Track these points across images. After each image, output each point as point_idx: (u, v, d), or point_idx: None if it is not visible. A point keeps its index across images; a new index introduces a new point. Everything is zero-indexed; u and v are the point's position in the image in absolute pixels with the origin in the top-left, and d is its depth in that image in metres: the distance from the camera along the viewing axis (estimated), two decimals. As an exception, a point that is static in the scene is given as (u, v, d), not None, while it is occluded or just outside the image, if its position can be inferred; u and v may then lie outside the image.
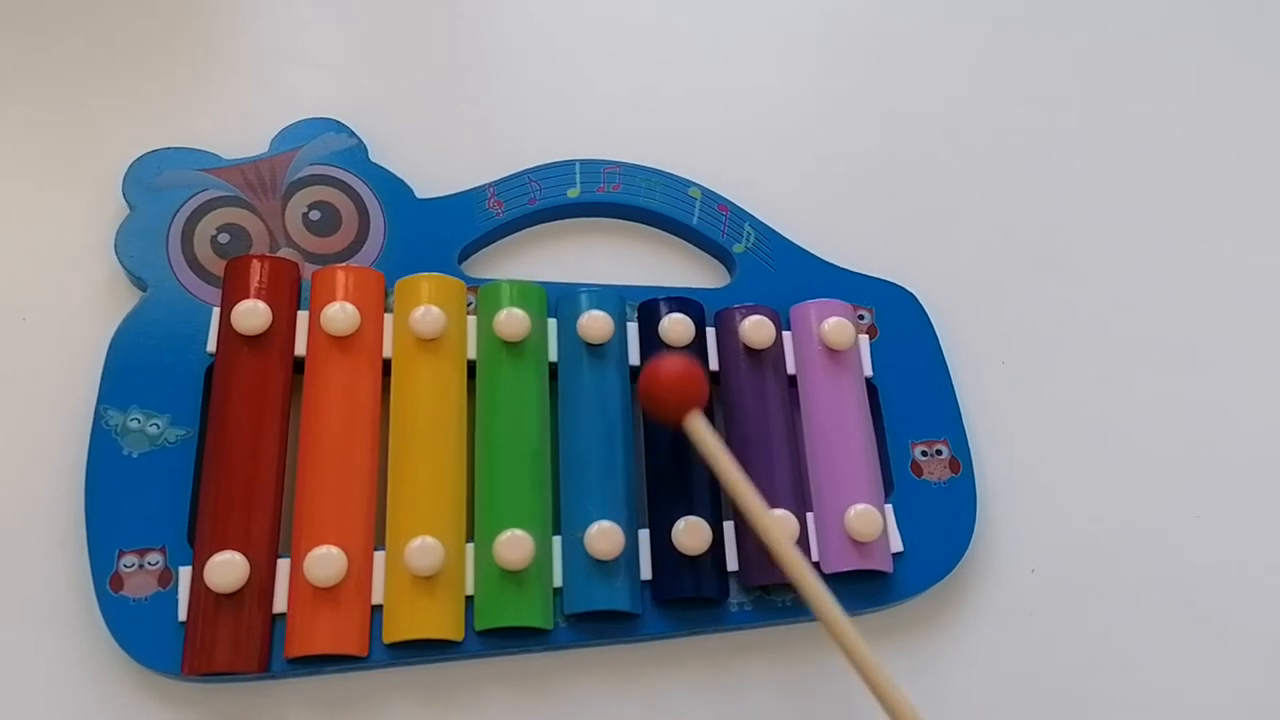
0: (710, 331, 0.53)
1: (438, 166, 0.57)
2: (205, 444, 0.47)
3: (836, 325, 0.53)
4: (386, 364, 0.50)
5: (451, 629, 0.45)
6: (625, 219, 0.59)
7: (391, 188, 0.56)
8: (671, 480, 0.49)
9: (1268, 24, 0.74)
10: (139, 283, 0.52)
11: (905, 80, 0.68)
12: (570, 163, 0.58)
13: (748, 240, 0.58)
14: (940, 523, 0.51)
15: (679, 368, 0.45)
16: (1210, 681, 0.51)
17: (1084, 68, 0.70)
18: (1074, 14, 0.73)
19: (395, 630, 0.45)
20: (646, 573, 0.48)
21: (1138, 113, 0.69)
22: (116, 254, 0.52)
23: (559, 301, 0.53)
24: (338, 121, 0.57)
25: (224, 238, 0.53)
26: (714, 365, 0.52)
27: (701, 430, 0.44)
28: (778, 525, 0.44)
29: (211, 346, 0.49)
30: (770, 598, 0.49)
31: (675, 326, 0.51)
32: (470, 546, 0.47)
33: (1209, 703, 0.50)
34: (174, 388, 0.49)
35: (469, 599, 0.46)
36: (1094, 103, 0.69)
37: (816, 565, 0.49)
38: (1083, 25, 0.72)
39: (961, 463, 0.52)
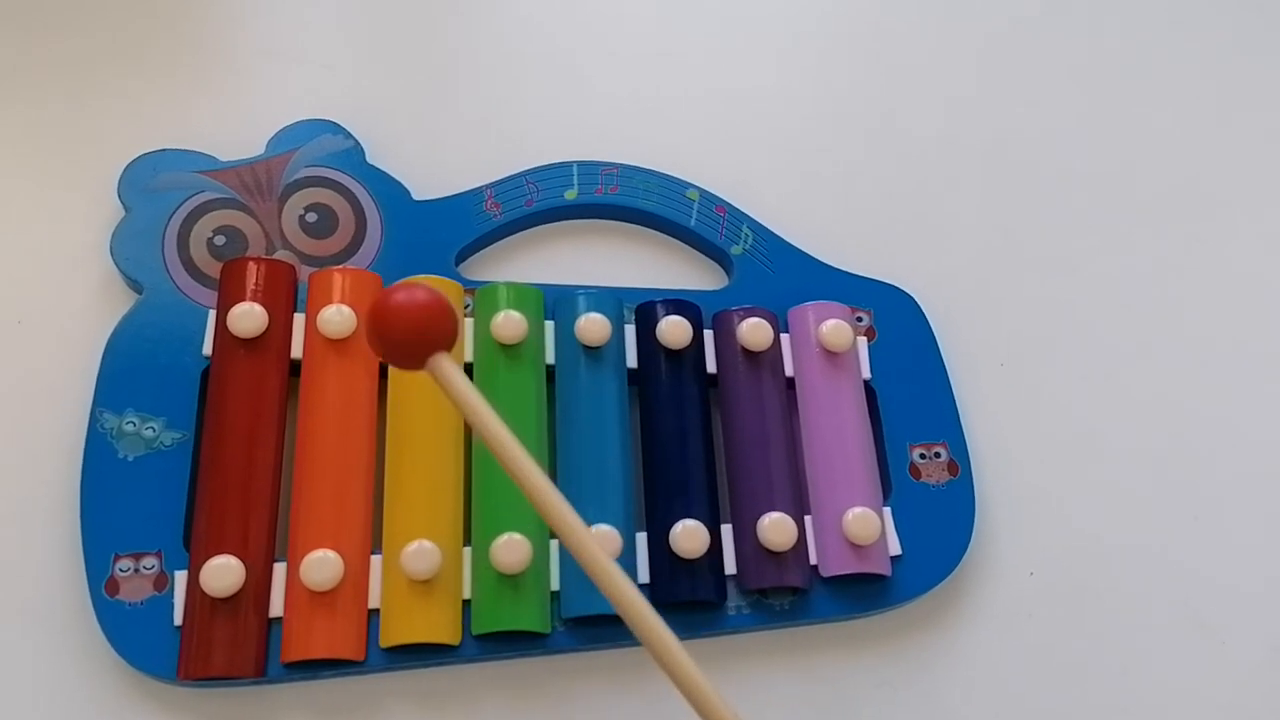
0: (708, 334, 0.53)
1: (435, 168, 0.57)
2: (201, 447, 0.47)
3: (835, 327, 0.53)
4: (383, 367, 0.50)
5: (448, 633, 0.45)
6: (623, 221, 0.59)
7: (388, 189, 0.56)
8: (669, 483, 0.49)
9: (1268, 24, 0.74)
10: (135, 285, 0.52)
11: (904, 82, 0.68)
12: (568, 164, 0.58)
13: (745, 242, 0.58)
14: (939, 525, 0.51)
15: (418, 299, 0.35)
16: (1208, 683, 0.50)
17: (1083, 70, 0.70)
18: (1073, 16, 0.73)
19: (392, 634, 0.45)
20: (644, 576, 0.47)
21: (1137, 115, 0.69)
22: (112, 256, 0.52)
23: (556, 304, 0.52)
24: (334, 123, 0.57)
25: (220, 240, 0.53)
26: (712, 368, 0.52)
27: (450, 375, 0.35)
28: (553, 498, 0.35)
29: (207, 349, 0.49)
30: (768, 601, 0.48)
31: (673, 329, 0.51)
32: (467, 550, 0.47)
33: (1207, 704, 0.50)
34: (170, 391, 0.49)
35: (466, 603, 0.46)
36: (1093, 105, 0.69)
37: (814, 569, 0.49)
38: (1082, 27, 0.72)
39: (960, 465, 0.52)
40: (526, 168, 0.58)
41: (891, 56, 0.70)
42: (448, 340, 0.35)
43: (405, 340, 0.35)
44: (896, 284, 0.57)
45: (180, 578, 0.45)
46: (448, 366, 0.35)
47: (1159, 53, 0.72)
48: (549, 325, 0.52)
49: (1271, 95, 0.71)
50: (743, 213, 0.58)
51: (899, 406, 0.53)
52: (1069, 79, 0.70)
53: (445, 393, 0.35)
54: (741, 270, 0.57)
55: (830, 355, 0.53)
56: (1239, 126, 0.69)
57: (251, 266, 0.50)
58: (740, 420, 0.51)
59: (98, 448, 0.47)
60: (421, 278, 0.51)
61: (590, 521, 0.47)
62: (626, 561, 0.47)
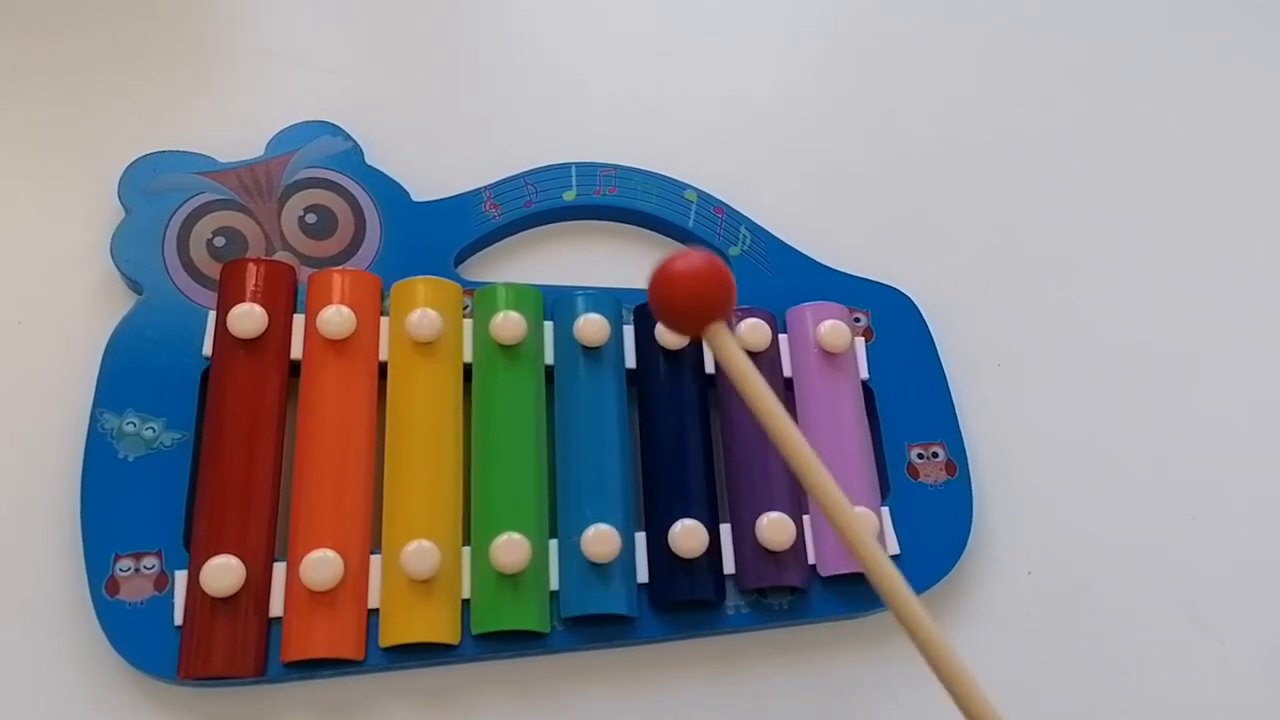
0: (707, 334, 0.53)
1: (434, 169, 0.57)
2: (201, 447, 0.47)
3: (832, 328, 0.53)
4: (383, 367, 0.50)
5: (448, 632, 0.45)
6: (621, 222, 0.59)
7: (387, 191, 0.56)
8: (668, 483, 0.49)
9: (1267, 24, 0.74)
10: (135, 286, 0.52)
11: (902, 83, 0.69)
12: (566, 165, 0.59)
13: (743, 243, 0.58)
14: (936, 525, 0.51)
15: (700, 266, 0.36)
16: (1207, 683, 0.51)
17: (1082, 71, 0.71)
18: (1072, 17, 0.73)
19: (391, 634, 0.45)
20: (643, 576, 0.48)
21: (1135, 116, 0.69)
22: (112, 257, 0.52)
23: (555, 304, 0.53)
24: (334, 124, 0.57)
25: (220, 241, 0.53)
26: (710, 368, 0.52)
27: (727, 345, 0.36)
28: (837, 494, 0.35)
29: (207, 350, 0.49)
30: (767, 600, 0.49)
31: (672, 330, 0.51)
32: (467, 550, 0.47)
33: (1206, 704, 0.50)
34: (170, 391, 0.49)
35: (465, 602, 0.46)
36: (1091, 106, 0.69)
37: (813, 568, 0.49)
38: (1081, 28, 0.73)
39: (958, 465, 0.53)
40: (525, 169, 0.58)
41: (890, 58, 0.70)
42: (725, 310, 0.36)
43: (686, 308, 0.35)
44: (894, 285, 0.57)
45: (180, 577, 0.45)
46: (724, 337, 0.35)
47: (1157, 54, 0.72)
48: (548, 326, 0.52)
49: (1271, 95, 0.71)
50: (741, 214, 0.59)
51: (897, 407, 0.54)
52: (1067, 80, 0.70)
53: (720, 362, 0.36)
54: (740, 271, 0.57)
55: (828, 355, 0.53)
56: (1238, 127, 0.69)
57: (251, 267, 0.50)
58: (739, 420, 0.51)
59: (98, 448, 0.47)
60: (421, 278, 0.51)
61: (589, 521, 0.47)
62: (625, 561, 0.47)
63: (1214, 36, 0.73)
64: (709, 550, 0.47)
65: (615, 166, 0.59)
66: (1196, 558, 0.54)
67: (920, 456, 0.53)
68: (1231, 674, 0.51)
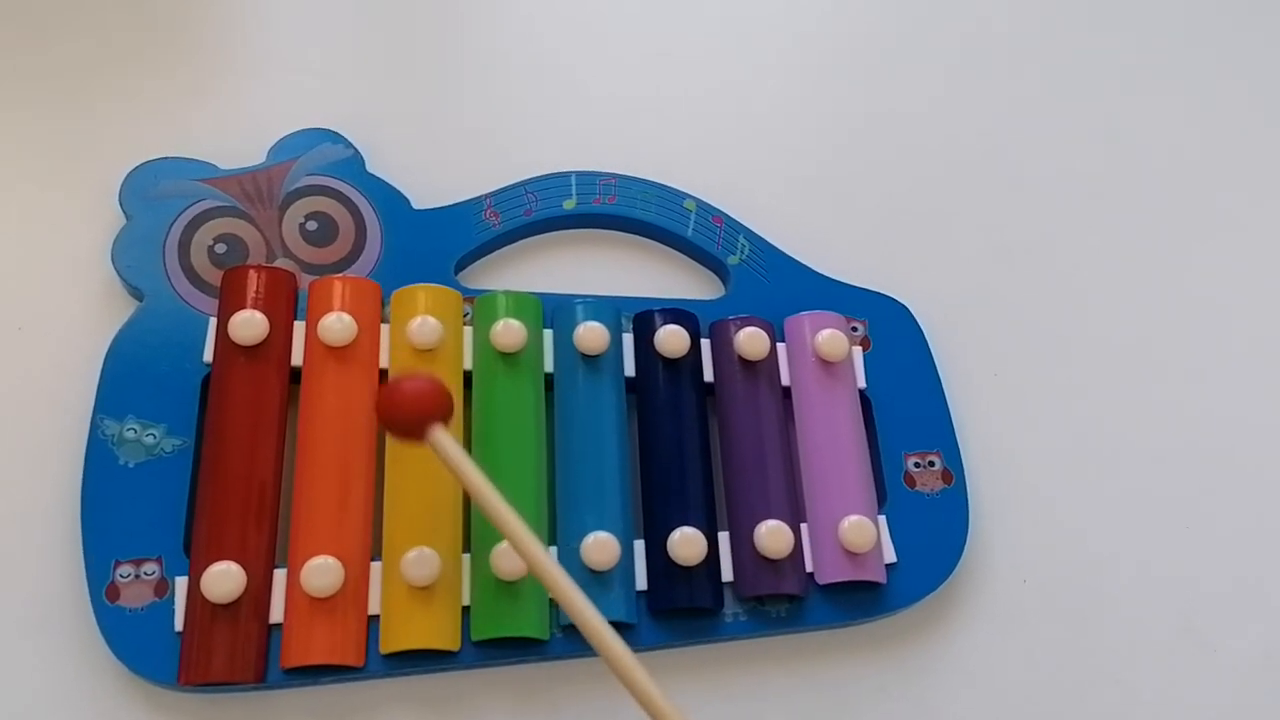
0: (705, 343, 0.54)
1: (434, 177, 0.58)
2: (202, 454, 0.47)
3: (830, 337, 0.53)
4: (383, 374, 0.50)
5: (448, 639, 0.45)
6: (621, 231, 0.59)
7: (388, 198, 0.56)
8: (667, 491, 0.49)
9: (1267, 27, 0.75)
10: (135, 292, 0.52)
11: (899, 92, 0.69)
12: (566, 174, 0.59)
13: (742, 252, 0.58)
14: (933, 534, 0.51)
15: (418, 384, 0.42)
16: (1201, 690, 0.51)
17: (1079, 79, 0.71)
18: (1071, 26, 0.74)
19: (392, 640, 0.45)
20: (642, 583, 0.48)
21: (1132, 125, 0.69)
22: (113, 263, 0.52)
23: (555, 312, 0.53)
24: (335, 132, 0.57)
25: (221, 248, 0.53)
26: (709, 377, 0.53)
27: (446, 444, 0.42)
28: (539, 550, 0.40)
29: (208, 356, 0.49)
30: (765, 608, 0.49)
31: (670, 338, 0.52)
32: (467, 557, 0.47)
33: (1200, 711, 0.50)
34: (170, 397, 0.49)
35: (465, 609, 0.46)
36: (1090, 115, 0.69)
37: (811, 576, 0.49)
38: (1079, 37, 0.73)
39: (954, 474, 0.53)
40: (525, 177, 0.58)
41: (889, 67, 0.70)
42: (444, 415, 0.42)
43: (407, 421, 0.42)
44: (891, 294, 0.58)
45: (181, 583, 0.45)
46: (444, 438, 0.42)
47: (1155, 62, 0.72)
48: (548, 334, 0.52)
49: (1271, 102, 0.71)
50: (740, 223, 0.59)
51: (894, 415, 0.54)
52: (1067, 89, 0.70)
53: (441, 459, 0.42)
54: (738, 280, 0.57)
55: (826, 364, 0.53)
56: (1235, 135, 0.69)
57: (252, 274, 0.50)
58: (737, 429, 0.51)
59: (98, 454, 0.47)
60: (421, 286, 0.52)
61: (589, 528, 0.47)
62: (624, 568, 0.47)
63: (1211, 44, 0.74)
64: (707, 558, 0.47)
65: (615, 176, 0.59)
66: (1191, 566, 0.54)
67: (917, 465, 0.53)
68: (1225, 683, 0.51)
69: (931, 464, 0.53)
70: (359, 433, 0.48)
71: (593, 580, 0.46)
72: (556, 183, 0.58)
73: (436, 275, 0.54)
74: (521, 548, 0.40)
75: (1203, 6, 0.76)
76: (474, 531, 0.47)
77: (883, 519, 0.51)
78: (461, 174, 0.58)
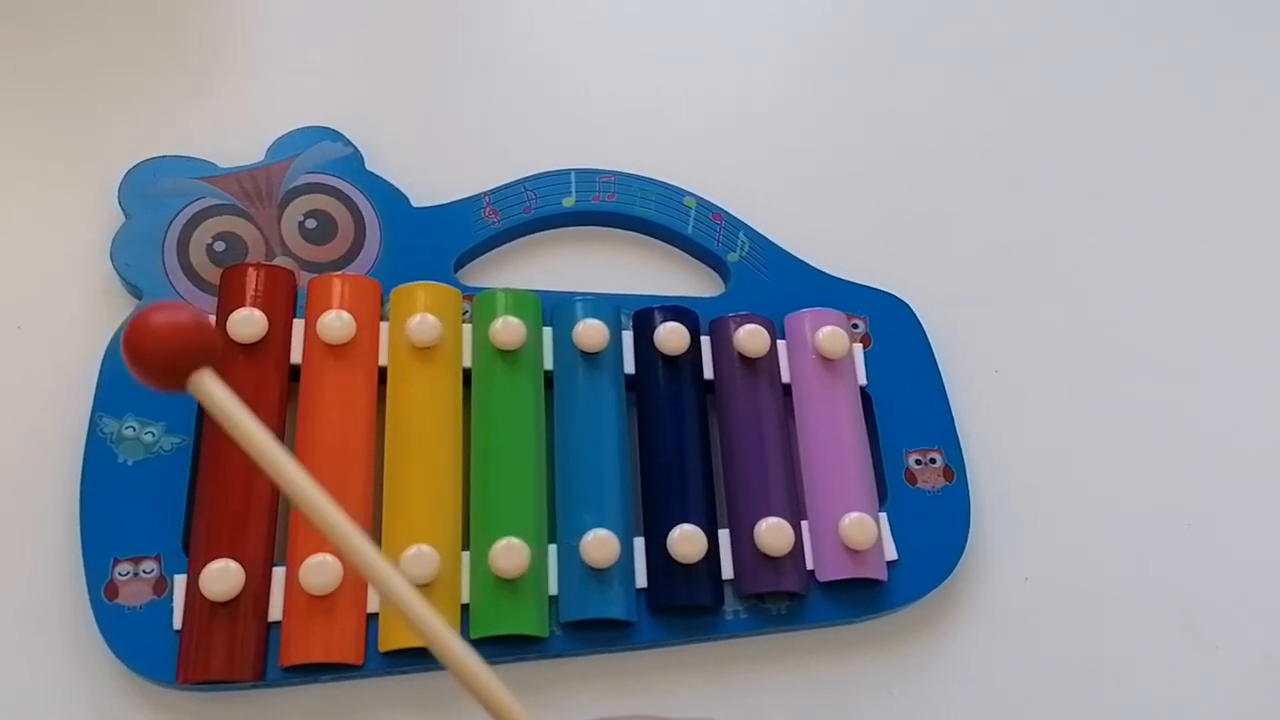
0: (705, 340, 0.53)
1: (434, 175, 0.58)
2: (201, 452, 0.47)
3: (831, 334, 0.53)
4: (382, 372, 0.50)
5: (447, 637, 0.45)
6: (620, 228, 0.59)
7: (387, 196, 0.56)
8: (667, 488, 0.49)
9: (1265, 29, 0.75)
10: (134, 290, 0.52)
11: (900, 90, 0.69)
12: (565, 172, 0.59)
13: (742, 249, 0.58)
14: (934, 531, 0.51)
15: (171, 315, 0.31)
16: (1201, 690, 0.51)
17: (1080, 77, 0.71)
18: (1072, 25, 0.73)
19: (391, 639, 0.45)
20: (642, 581, 0.48)
21: (1131, 122, 0.69)
22: (112, 262, 0.52)
23: (554, 310, 0.53)
24: (334, 130, 0.57)
25: (220, 246, 0.53)
26: (709, 374, 0.53)
27: (213, 392, 0.31)
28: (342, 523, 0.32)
29: (207, 355, 0.49)
30: (765, 606, 0.49)
31: (670, 335, 0.52)
32: (466, 555, 0.47)
33: (1200, 710, 0.50)
34: (169, 396, 0.48)
35: (464, 607, 0.46)
36: (1088, 112, 0.69)
37: (811, 574, 0.49)
38: (1080, 36, 0.73)
39: (955, 471, 0.53)
40: (525, 175, 0.58)
41: (889, 64, 0.70)
42: (208, 356, 0.32)
43: (161, 364, 0.31)
44: (892, 291, 0.58)
45: (179, 582, 0.45)
46: (208, 383, 0.31)
47: (1155, 61, 0.72)
48: (547, 331, 0.52)
49: (1266, 103, 0.71)
50: (740, 220, 0.59)
51: (894, 412, 0.54)
52: (1063, 88, 0.70)
53: (210, 410, 0.32)
54: (738, 277, 0.57)
55: (826, 362, 0.53)
56: (1233, 134, 0.69)
57: (251, 272, 0.50)
58: (737, 426, 0.51)
59: (97, 452, 0.47)
60: (420, 284, 0.52)
61: (588, 526, 0.47)
62: (624, 566, 0.47)
63: (1212, 44, 0.74)
64: (708, 555, 0.47)
65: (615, 173, 0.59)
66: (1192, 565, 0.54)
67: (918, 462, 0.53)
68: (1225, 681, 0.51)
69: (933, 461, 0.53)
70: (358, 431, 0.48)
71: (592, 578, 0.46)
72: (556, 180, 0.58)
73: (436, 273, 0.54)
74: (316, 515, 0.32)
75: (1203, 6, 0.76)
76: (473, 529, 0.47)
77: (884, 516, 0.51)
78: (461, 172, 0.58)
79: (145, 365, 0.31)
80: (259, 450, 0.31)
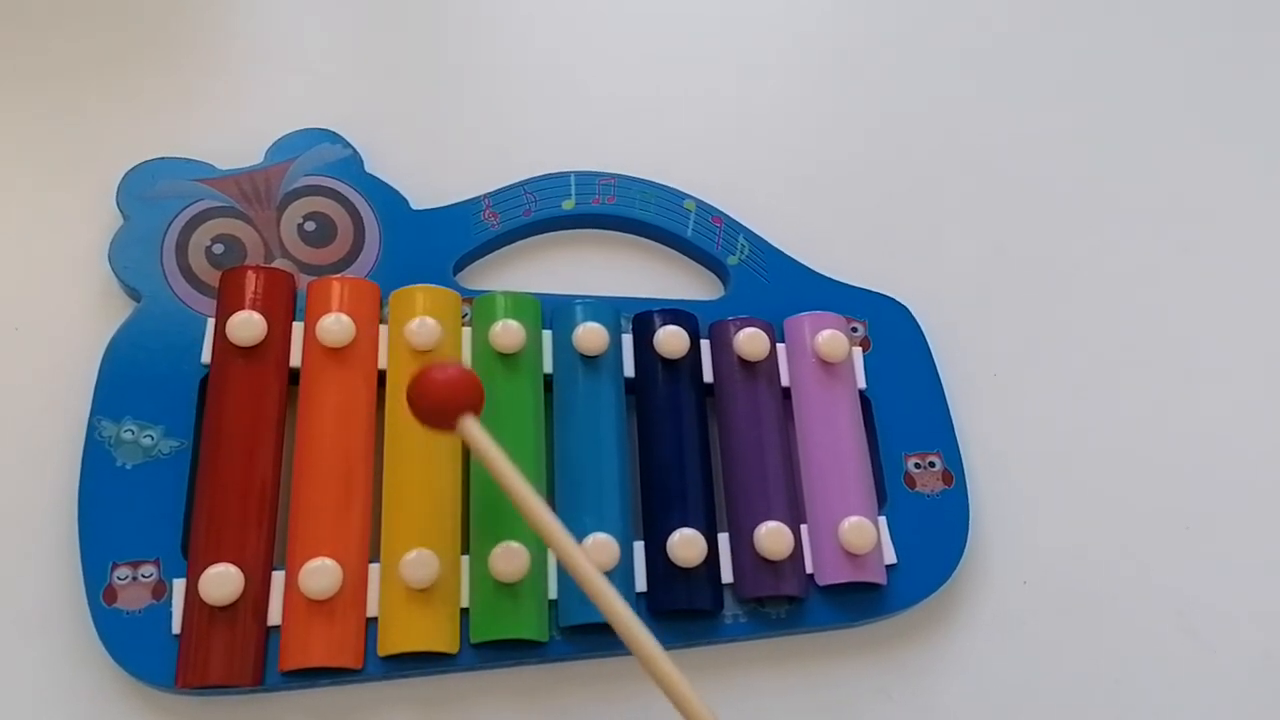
0: (704, 343, 0.53)
1: (433, 177, 0.58)
2: (199, 455, 0.47)
3: (830, 338, 0.53)
4: (382, 375, 0.50)
5: (446, 641, 0.45)
6: (620, 231, 0.59)
7: (387, 199, 0.56)
8: (667, 492, 0.49)
9: (1259, 33, 0.75)
10: (133, 293, 0.52)
11: (900, 92, 0.69)
12: (565, 175, 0.59)
13: (742, 252, 0.58)
14: (933, 535, 0.51)
15: (449, 373, 0.43)
16: (1200, 691, 0.51)
17: (1077, 81, 0.71)
18: (1068, 28, 0.74)
19: (390, 643, 0.45)
20: (641, 585, 0.48)
21: (1129, 126, 0.69)
22: (110, 264, 0.52)
23: (554, 313, 0.53)
24: (333, 132, 0.57)
25: (219, 248, 0.53)
26: (708, 377, 0.53)
27: (477, 435, 0.42)
28: (577, 551, 0.40)
29: (206, 357, 0.49)
30: (765, 610, 0.49)
31: (670, 338, 0.52)
32: (465, 559, 0.47)
33: (1199, 713, 0.50)
34: (168, 399, 0.49)
35: (464, 611, 0.46)
36: (1086, 116, 0.69)
37: (811, 578, 0.49)
38: (1076, 39, 0.73)
39: (954, 475, 0.53)
40: (524, 178, 0.58)
41: (888, 67, 0.70)
42: (474, 405, 0.43)
43: (436, 407, 0.43)
44: (891, 295, 0.58)
45: (179, 586, 0.45)
46: (475, 428, 0.42)
47: (1151, 63, 0.72)
48: (547, 334, 0.52)
49: (1263, 104, 0.71)
50: (739, 223, 0.59)
51: (894, 416, 0.54)
52: (1065, 90, 0.70)
53: (472, 449, 0.42)
54: (738, 280, 0.57)
55: (826, 365, 0.53)
56: (1230, 139, 0.69)
57: (250, 275, 0.50)
58: (737, 429, 0.51)
59: (96, 456, 0.47)
60: (420, 287, 0.51)
61: (588, 530, 0.47)
62: (624, 570, 0.47)
63: (1205, 46, 0.74)
64: (707, 559, 0.47)
65: (614, 176, 0.59)
66: (1190, 567, 0.54)
67: (917, 466, 0.53)
68: (1224, 683, 0.51)
69: (932, 465, 0.53)
70: (358, 434, 0.48)
71: (592, 582, 0.46)
72: (555, 183, 0.58)
73: (435, 276, 0.54)
74: (553, 541, 0.40)
75: (1203, 6, 0.76)
76: (473, 533, 0.47)
77: (883, 520, 0.51)
78: (460, 174, 0.58)
79: (423, 410, 0.42)
80: (514, 490, 0.41)
